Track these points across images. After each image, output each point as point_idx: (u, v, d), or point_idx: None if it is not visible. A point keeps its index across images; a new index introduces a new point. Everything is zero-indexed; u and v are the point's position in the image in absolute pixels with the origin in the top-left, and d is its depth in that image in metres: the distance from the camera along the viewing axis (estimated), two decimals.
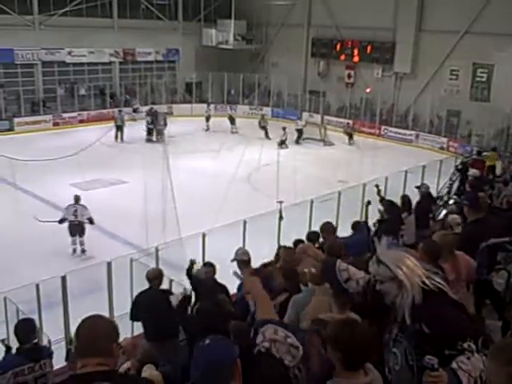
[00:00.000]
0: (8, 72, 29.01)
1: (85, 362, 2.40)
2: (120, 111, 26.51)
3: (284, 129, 25.05)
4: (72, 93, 30.61)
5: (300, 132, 26.41)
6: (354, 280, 2.97)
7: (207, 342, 2.29)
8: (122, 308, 8.21)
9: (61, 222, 12.50)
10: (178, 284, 7.78)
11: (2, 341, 6.14)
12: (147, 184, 13.49)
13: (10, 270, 11.01)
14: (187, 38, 34.67)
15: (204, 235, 9.56)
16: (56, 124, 28.46)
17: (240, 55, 34.01)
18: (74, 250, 12.84)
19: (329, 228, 7.34)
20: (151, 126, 25.84)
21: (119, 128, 25.47)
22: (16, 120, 27.04)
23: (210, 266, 7.15)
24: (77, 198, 12.86)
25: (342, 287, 3.03)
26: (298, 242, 6.92)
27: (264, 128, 26.82)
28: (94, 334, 2.43)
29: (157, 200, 12.74)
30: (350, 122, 28.51)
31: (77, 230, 12.73)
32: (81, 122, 29.26)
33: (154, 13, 33.92)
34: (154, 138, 25.47)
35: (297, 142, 26.09)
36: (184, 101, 33.93)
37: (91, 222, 12.71)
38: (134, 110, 30.10)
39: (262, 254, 7.52)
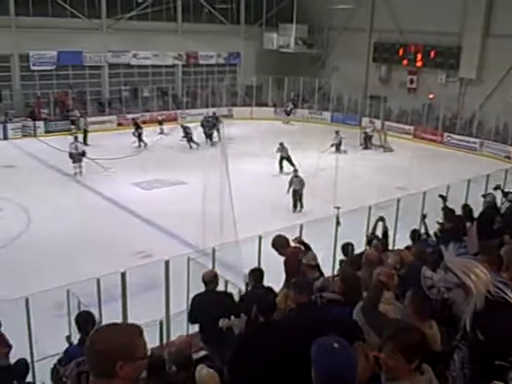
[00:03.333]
0: (76, 74, 30.15)
1: (93, 380, 2.20)
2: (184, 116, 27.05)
3: (337, 132, 24.89)
4: (136, 94, 31.49)
5: (369, 137, 26.15)
6: (436, 288, 2.95)
7: (335, 345, 2.31)
8: (178, 306, 8.37)
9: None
10: (234, 285, 7.86)
11: (68, 337, 6.40)
12: (206, 185, 13.68)
13: (73, 264, 11.46)
14: (248, 42, 34.98)
15: (260, 238, 9.59)
16: (120, 124, 29.31)
17: (301, 59, 33.97)
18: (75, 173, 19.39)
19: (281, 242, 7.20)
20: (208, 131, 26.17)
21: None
22: (88, 119, 27.97)
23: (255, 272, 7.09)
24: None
25: (424, 294, 3.02)
26: (346, 245, 6.81)
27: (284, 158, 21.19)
28: (95, 353, 2.18)
29: (215, 201, 12.90)
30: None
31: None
32: (143, 122, 29.98)
33: (216, 17, 34.43)
34: (209, 142, 25.83)
35: (365, 147, 25.87)
36: (244, 104, 34.20)
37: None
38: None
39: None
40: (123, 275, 8.22)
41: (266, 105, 33.90)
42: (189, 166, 19.87)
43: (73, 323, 6.99)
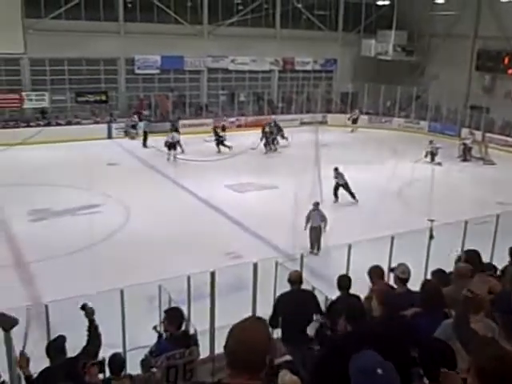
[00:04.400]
0: (177, 77, 31.32)
1: (234, 373, 2.20)
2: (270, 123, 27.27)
3: (431, 142, 24.09)
4: (232, 99, 32.19)
5: (468, 149, 25.10)
6: None
7: (379, 371, 2.29)
8: (264, 309, 8.44)
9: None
10: (321, 293, 7.81)
11: (155, 327, 6.65)
12: (298, 190, 13.72)
13: (166, 260, 11.89)
14: (346, 49, 34.71)
15: (350, 247, 9.48)
16: (216, 127, 30.02)
17: (399, 67, 33.19)
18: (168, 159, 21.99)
19: (377, 272, 6.86)
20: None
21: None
22: (181, 122, 29.02)
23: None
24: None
25: None
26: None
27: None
28: (250, 346, 2.17)
29: (305, 207, 12.91)
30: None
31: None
32: (238, 126, 30.59)
33: (314, 23, 34.47)
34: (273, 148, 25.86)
35: (464, 159, 24.86)
36: (339, 111, 33.95)
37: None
38: None
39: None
40: (213, 274, 8.41)
41: (361, 112, 33.43)
42: (281, 171, 20.01)
43: (163, 317, 7.28)
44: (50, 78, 28.36)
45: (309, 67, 35.00)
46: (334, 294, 7.16)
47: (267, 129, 25.79)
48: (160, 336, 6.19)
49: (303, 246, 10.79)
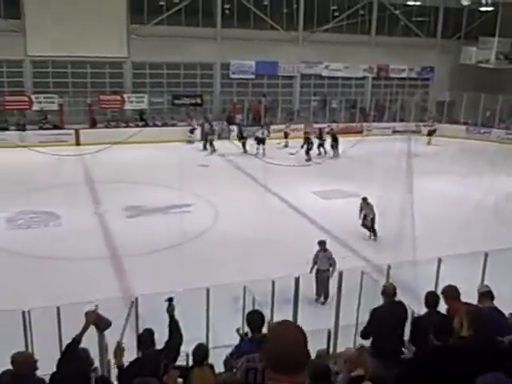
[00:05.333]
0: (271, 83, 31.69)
1: (274, 376, 2.19)
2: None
3: None
4: (324, 105, 32.09)
5: None
6: None
7: None
8: (347, 319, 8.33)
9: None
10: (407, 306, 7.60)
11: (238, 330, 6.75)
12: (385, 200, 13.44)
13: (252, 262, 12.05)
14: (444, 56, 33.59)
15: (440, 261, 9.16)
16: (306, 133, 30.01)
17: (501, 75, 31.60)
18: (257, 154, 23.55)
19: (452, 292, 6.35)
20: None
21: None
22: (272, 127, 29.27)
23: None
24: None
25: None
26: None
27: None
28: (294, 348, 2.16)
29: (394, 217, 12.61)
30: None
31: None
32: (329, 133, 30.34)
33: (411, 30, 33.64)
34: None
35: None
36: (439, 120, 32.85)
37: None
38: None
39: (502, 293, 6.85)
40: (297, 280, 8.43)
41: (457, 122, 32.16)
42: (371, 179, 19.66)
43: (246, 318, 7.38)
44: (149, 81, 29.63)
45: (404, 75, 34.23)
46: (421, 309, 6.95)
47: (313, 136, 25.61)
48: (242, 338, 6.28)
49: (391, 256, 10.54)
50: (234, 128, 28.62)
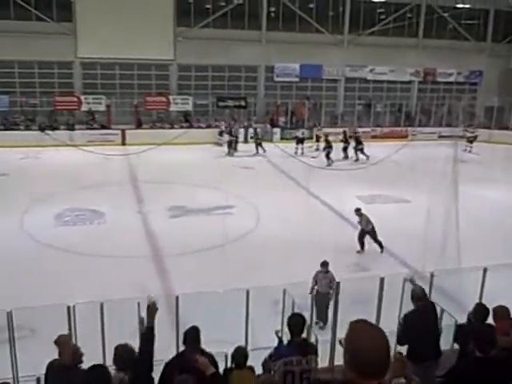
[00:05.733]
0: (314, 86, 31.59)
1: (362, 381, 2.12)
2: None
3: None
4: (369, 109, 31.76)
5: None
6: None
7: None
8: (388, 324, 8.21)
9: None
10: (450, 316, 7.44)
11: (277, 332, 6.75)
12: (430, 206, 13.20)
13: (292, 265, 12.01)
14: (493, 60, 32.80)
15: (485, 270, 8.91)
16: (350, 137, 29.74)
17: None
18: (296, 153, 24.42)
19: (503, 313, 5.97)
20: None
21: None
22: (316, 130, 29.16)
23: None
24: None
25: None
26: None
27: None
28: (380, 353, 2.11)
29: (438, 224, 12.36)
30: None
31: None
32: (373, 137, 30.10)
33: (460, 33, 32.95)
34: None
35: None
36: (482, 126, 32.09)
37: None
38: None
39: None
40: (338, 284, 8.37)
41: (506, 128, 31.31)
42: (415, 185, 19.35)
43: (285, 321, 7.36)
44: (194, 83, 29.99)
45: (451, 79, 33.58)
46: (464, 317, 6.79)
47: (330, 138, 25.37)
48: (280, 341, 6.27)
49: (434, 264, 10.33)
50: (277, 131, 28.65)
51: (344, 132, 26.39)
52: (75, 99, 28.00)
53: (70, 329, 6.96)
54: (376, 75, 32.22)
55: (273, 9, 30.33)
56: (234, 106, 30.05)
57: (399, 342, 6.65)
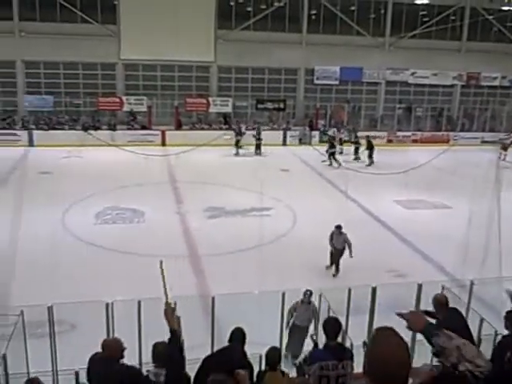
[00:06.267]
0: (354, 89, 31.35)
1: None
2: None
3: None
4: (409, 112, 31.33)
5: None
6: None
7: None
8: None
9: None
10: (489, 326, 7.28)
11: (312, 336, 6.74)
12: (471, 213, 12.93)
13: (328, 269, 11.99)
14: None
15: None
16: (390, 141, 29.51)
17: None
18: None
19: None
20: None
21: None
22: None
23: None
24: None
25: None
26: None
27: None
28: (399, 365, 2.06)
29: (480, 231, 12.10)
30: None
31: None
32: (414, 141, 29.70)
33: (505, 36, 32.18)
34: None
35: None
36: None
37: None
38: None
39: None
40: (374, 290, 8.29)
41: None
42: (456, 191, 19.01)
43: (320, 325, 7.34)
44: (234, 85, 30.17)
45: (496, 83, 32.79)
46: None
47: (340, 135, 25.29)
48: (316, 345, 6.25)
49: (475, 272, 10.11)
50: (316, 134, 28.56)
51: (353, 128, 26.40)
52: (117, 100, 28.54)
53: (107, 325, 7.10)
54: (417, 79, 31.76)
55: (314, 11, 30.25)
56: (273, 108, 30.09)
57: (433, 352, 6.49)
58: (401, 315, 2.67)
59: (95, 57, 27.92)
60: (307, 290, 9.08)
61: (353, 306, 8.64)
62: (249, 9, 29.65)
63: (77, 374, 5.80)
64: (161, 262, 4.27)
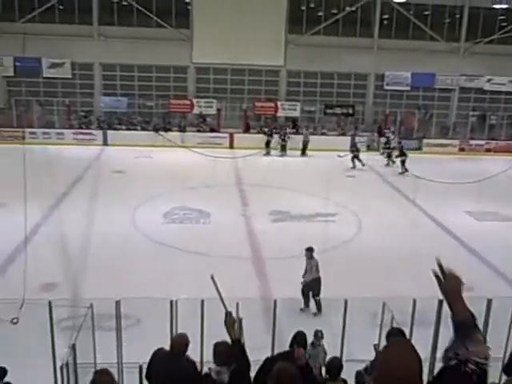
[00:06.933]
0: (426, 95, 30.59)
1: None
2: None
3: None
4: (483, 120, 30.23)
5: None
6: None
7: None
8: (495, 351, 7.77)
9: None
10: None
11: (375, 346, 6.65)
12: None
13: (391, 278, 11.74)
14: None
15: None
16: (462, 149, 28.60)
17: None
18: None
19: None
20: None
21: None
22: (425, 141, 28.30)
23: None
24: None
25: None
26: None
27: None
28: (407, 378, 2.01)
29: None
30: None
31: None
32: (487, 150, 28.64)
33: None
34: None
35: None
36: None
37: None
38: None
39: None
40: (440, 302, 8.04)
41: None
42: None
43: (383, 335, 7.22)
44: (303, 89, 30.16)
45: None
46: None
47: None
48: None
49: None
50: (384, 140, 28.05)
51: (382, 130, 26.43)
52: (188, 102, 29.19)
53: (171, 322, 7.29)
54: (494, 85, 30.60)
55: (386, 16, 29.80)
56: (342, 113, 29.85)
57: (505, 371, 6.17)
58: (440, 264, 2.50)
59: (168, 60, 28.70)
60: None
61: (418, 318, 8.44)
62: (320, 13, 29.59)
63: (140, 367, 5.98)
64: (212, 276, 4.30)
